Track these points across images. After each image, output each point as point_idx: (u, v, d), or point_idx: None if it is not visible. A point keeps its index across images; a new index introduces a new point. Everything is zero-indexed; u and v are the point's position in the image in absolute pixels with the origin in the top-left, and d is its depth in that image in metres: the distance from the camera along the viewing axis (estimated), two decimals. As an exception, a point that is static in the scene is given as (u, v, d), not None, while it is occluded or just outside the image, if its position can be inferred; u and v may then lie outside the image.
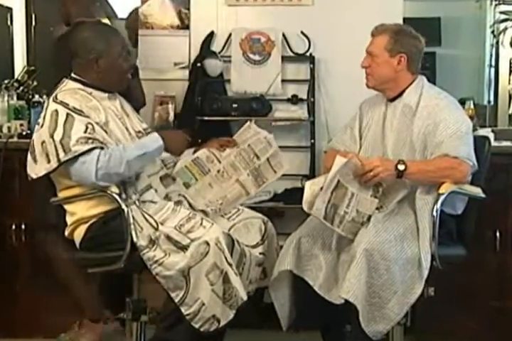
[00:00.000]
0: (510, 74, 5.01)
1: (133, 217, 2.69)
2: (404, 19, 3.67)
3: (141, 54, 3.82)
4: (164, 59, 3.83)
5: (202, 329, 2.67)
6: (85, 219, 2.76)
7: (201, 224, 2.72)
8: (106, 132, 2.72)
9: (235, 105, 3.70)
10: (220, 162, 3.04)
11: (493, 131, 3.56)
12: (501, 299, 3.44)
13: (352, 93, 3.39)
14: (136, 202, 2.74)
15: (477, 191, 2.82)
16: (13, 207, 3.51)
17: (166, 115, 3.81)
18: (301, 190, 2.75)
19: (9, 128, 3.71)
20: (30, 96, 3.86)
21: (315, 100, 3.75)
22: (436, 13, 5.78)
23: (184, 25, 3.85)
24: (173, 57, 3.84)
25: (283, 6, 3.79)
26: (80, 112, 2.68)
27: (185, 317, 2.65)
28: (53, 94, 2.77)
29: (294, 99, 3.79)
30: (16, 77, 4.27)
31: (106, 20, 3.90)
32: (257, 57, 3.78)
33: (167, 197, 2.89)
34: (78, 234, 2.78)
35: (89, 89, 2.81)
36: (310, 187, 2.70)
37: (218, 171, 3.01)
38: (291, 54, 3.79)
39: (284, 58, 3.78)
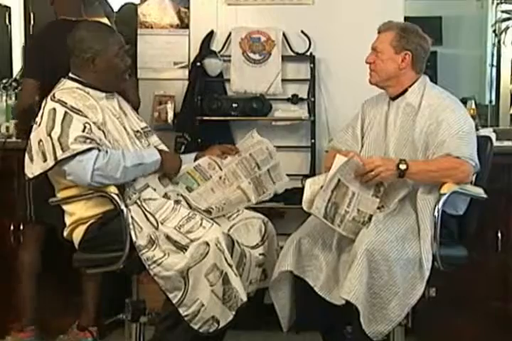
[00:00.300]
0: (512, 74, 5.01)
1: (132, 217, 2.68)
2: (406, 18, 3.66)
3: (140, 53, 3.81)
4: (164, 58, 3.83)
5: (201, 331, 2.66)
6: (84, 219, 2.75)
7: (201, 224, 2.72)
8: (103, 132, 2.72)
9: (234, 105, 3.70)
10: (221, 169, 3.03)
11: (494, 130, 3.55)
12: (503, 300, 3.43)
13: (352, 92, 3.39)
14: (138, 201, 2.74)
15: (479, 191, 2.81)
16: (11, 208, 3.49)
17: (166, 115, 3.79)
18: (302, 190, 2.74)
19: (7, 128, 3.71)
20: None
21: (315, 100, 3.74)
22: (437, 12, 5.78)
23: (184, 25, 3.84)
24: (173, 56, 3.83)
25: (283, 5, 3.79)
26: (77, 111, 2.68)
27: (184, 318, 2.64)
28: (51, 93, 2.77)
29: (295, 99, 3.78)
30: (14, 76, 4.26)
31: (105, 20, 3.88)
32: (257, 57, 3.77)
33: (166, 196, 2.87)
34: (77, 235, 2.77)
35: (87, 89, 2.80)
36: (310, 186, 2.70)
37: (220, 178, 3.00)
38: (292, 53, 3.78)
39: (284, 58, 3.77)
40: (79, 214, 2.75)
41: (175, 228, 2.70)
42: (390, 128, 2.91)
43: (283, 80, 3.77)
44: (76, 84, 2.80)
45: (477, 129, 3.28)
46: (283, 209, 3.63)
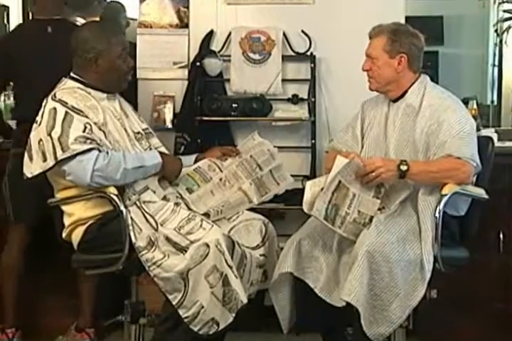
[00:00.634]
0: (513, 74, 5.01)
1: (131, 218, 2.68)
2: (407, 18, 3.65)
3: (139, 53, 3.79)
4: (163, 58, 3.81)
5: (201, 332, 2.65)
6: (83, 220, 2.74)
7: (201, 225, 2.72)
8: (104, 133, 2.71)
9: (234, 105, 3.68)
10: (221, 171, 3.02)
11: (496, 131, 3.55)
12: (505, 301, 3.42)
13: (353, 92, 3.37)
14: (137, 203, 2.73)
15: (480, 192, 2.80)
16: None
17: (165, 115, 3.77)
18: (302, 191, 2.74)
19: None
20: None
21: (316, 100, 3.72)
22: (438, 11, 5.78)
23: (183, 24, 3.82)
24: (172, 56, 3.81)
25: (283, 5, 3.77)
26: (78, 111, 2.68)
27: (184, 320, 2.63)
28: (52, 93, 2.76)
29: (295, 99, 3.76)
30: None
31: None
32: (257, 57, 3.74)
33: (165, 199, 2.86)
34: (76, 236, 2.77)
35: (89, 89, 2.80)
36: (310, 188, 2.69)
37: (220, 179, 3.00)
38: (292, 53, 3.76)
39: (284, 57, 3.75)
40: (78, 214, 2.75)
41: (175, 229, 2.70)
42: (389, 129, 2.90)
43: (283, 80, 3.75)
44: (77, 84, 2.80)
45: (479, 129, 3.28)
46: (283, 210, 3.62)
